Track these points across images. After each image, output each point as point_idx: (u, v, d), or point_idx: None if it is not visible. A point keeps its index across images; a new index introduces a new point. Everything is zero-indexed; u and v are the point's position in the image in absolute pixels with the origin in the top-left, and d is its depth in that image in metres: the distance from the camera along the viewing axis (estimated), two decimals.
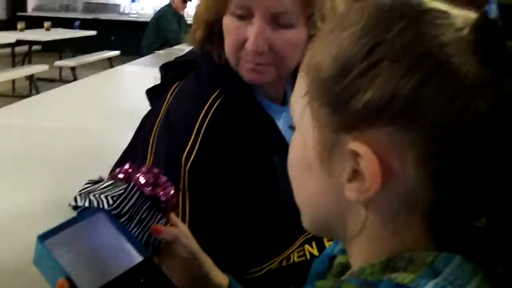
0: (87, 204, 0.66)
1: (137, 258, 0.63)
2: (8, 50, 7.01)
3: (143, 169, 0.72)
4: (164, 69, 1.13)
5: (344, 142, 0.46)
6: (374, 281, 0.45)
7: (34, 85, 6.26)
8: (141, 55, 6.08)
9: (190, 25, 1.10)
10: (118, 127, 2.32)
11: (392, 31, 0.44)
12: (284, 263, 1.00)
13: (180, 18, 6.99)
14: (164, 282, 0.63)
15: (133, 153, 1.08)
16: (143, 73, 3.87)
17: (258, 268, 0.98)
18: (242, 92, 0.99)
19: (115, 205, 0.65)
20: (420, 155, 0.43)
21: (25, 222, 1.42)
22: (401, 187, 0.44)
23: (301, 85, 0.50)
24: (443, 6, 0.46)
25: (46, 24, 7.52)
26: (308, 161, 0.50)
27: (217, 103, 0.98)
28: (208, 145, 0.94)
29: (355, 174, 0.45)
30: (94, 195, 0.66)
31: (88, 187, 0.69)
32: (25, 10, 11.25)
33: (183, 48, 5.21)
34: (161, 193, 0.71)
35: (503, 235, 0.43)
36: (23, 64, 7.35)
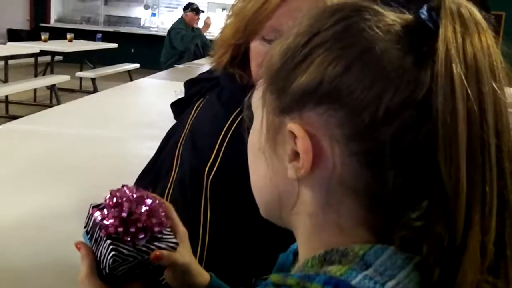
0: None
1: None
2: (31, 60, 7.16)
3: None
4: (188, 85, 1.20)
5: (285, 124, 0.50)
6: (313, 274, 0.47)
7: (55, 94, 6.38)
8: (161, 70, 6.20)
9: (210, 40, 1.15)
10: (138, 137, 2.39)
11: (327, 24, 0.50)
12: None
13: (196, 32, 7.09)
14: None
15: (159, 164, 1.14)
16: (162, 86, 3.96)
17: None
18: None
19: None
20: (345, 134, 0.47)
21: (54, 221, 1.50)
22: (331, 164, 0.48)
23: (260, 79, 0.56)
24: (378, 7, 0.51)
25: (69, 35, 7.64)
26: (260, 146, 0.54)
27: (237, 120, 1.04)
28: (229, 159, 1.01)
29: (296, 155, 0.49)
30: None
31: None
32: (48, 21, 11.49)
33: (202, 63, 5.31)
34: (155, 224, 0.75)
35: (434, 224, 0.45)
36: (44, 74, 7.50)
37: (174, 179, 1.07)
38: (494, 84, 0.45)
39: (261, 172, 0.55)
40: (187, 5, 7.15)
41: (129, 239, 0.71)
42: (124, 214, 0.72)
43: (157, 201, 0.76)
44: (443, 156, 0.44)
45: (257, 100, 0.56)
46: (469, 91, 0.44)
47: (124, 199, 0.73)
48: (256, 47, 1.02)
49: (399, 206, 0.49)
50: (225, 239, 1.01)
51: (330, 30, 0.49)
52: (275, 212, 0.56)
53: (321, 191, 0.50)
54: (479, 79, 0.44)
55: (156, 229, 0.74)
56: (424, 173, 0.46)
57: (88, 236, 0.74)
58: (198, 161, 1.03)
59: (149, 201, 0.74)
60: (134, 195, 0.74)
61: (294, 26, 0.53)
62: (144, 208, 0.73)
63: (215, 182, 1.00)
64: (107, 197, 0.74)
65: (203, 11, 7.35)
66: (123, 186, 0.76)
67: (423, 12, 0.48)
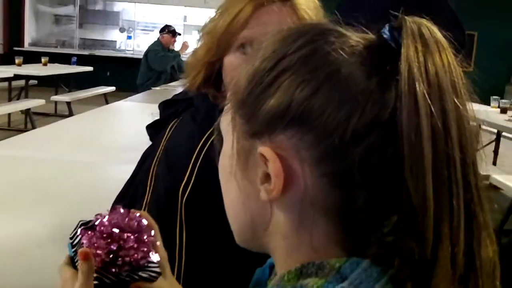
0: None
1: None
2: (4, 84, 7.07)
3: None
4: (163, 106, 1.21)
5: (255, 148, 0.51)
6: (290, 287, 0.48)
7: (30, 119, 6.31)
8: (137, 93, 6.20)
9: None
10: (115, 160, 2.38)
11: (292, 48, 0.51)
12: None
13: (175, 54, 7.12)
14: None
15: (135, 187, 1.14)
16: (138, 108, 3.96)
17: None
18: None
19: None
20: (314, 156, 0.48)
21: (29, 247, 1.48)
22: (302, 186, 0.49)
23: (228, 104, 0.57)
24: (341, 29, 0.52)
25: (44, 59, 7.58)
26: (231, 170, 0.54)
27: (211, 139, 1.06)
28: (203, 179, 1.02)
29: (267, 177, 0.50)
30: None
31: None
32: (22, 45, 11.41)
33: (179, 85, 5.32)
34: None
35: (404, 239, 0.46)
36: (19, 98, 7.42)
37: (148, 200, 1.07)
38: (456, 100, 0.46)
39: (233, 195, 0.56)
40: (163, 27, 7.19)
41: (113, 270, 0.71)
42: (113, 247, 0.71)
43: (146, 226, 0.75)
44: (409, 173, 0.45)
45: (226, 125, 0.56)
46: (433, 108, 0.45)
47: (114, 225, 0.72)
48: (230, 60, 1.02)
49: (370, 224, 0.50)
50: (202, 258, 1.02)
51: (296, 54, 0.50)
52: (249, 235, 0.56)
53: (294, 212, 0.51)
54: (442, 96, 0.46)
55: (142, 261, 0.73)
56: (392, 190, 0.47)
57: (73, 249, 0.74)
58: (172, 181, 1.04)
59: (142, 224, 0.74)
60: (125, 221, 0.73)
61: (259, 49, 0.54)
62: (132, 241, 0.72)
63: (189, 202, 1.01)
64: (98, 221, 0.73)
65: (179, 34, 7.40)
66: (114, 208, 0.76)
67: (385, 32, 0.50)
